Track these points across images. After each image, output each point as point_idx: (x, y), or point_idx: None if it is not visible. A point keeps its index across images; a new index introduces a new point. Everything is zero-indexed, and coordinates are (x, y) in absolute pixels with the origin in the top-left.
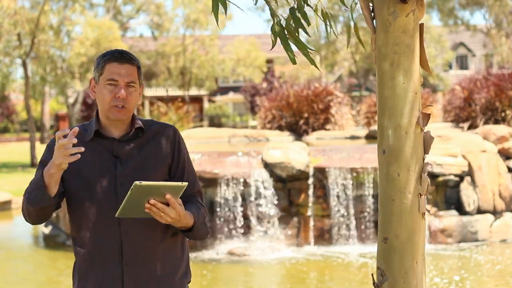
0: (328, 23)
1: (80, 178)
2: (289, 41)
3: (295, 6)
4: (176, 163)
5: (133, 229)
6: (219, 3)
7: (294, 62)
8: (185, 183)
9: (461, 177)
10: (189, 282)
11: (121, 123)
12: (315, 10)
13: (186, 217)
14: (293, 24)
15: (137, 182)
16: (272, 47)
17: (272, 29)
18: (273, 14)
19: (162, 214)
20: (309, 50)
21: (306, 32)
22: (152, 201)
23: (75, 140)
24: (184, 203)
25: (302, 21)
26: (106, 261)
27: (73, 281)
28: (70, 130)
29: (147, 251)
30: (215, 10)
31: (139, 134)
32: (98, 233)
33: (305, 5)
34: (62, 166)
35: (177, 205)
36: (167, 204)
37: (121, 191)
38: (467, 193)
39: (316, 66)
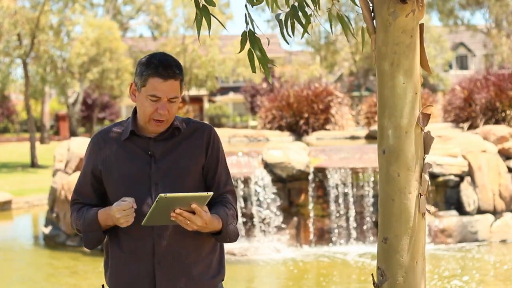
0: (345, 26)
1: (115, 177)
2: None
3: (297, 4)
4: (209, 162)
5: (166, 228)
6: (203, 17)
7: (253, 71)
8: (210, 193)
9: (461, 177)
10: (222, 280)
11: None
12: (329, 13)
13: (213, 222)
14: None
15: (162, 195)
16: (240, 51)
17: (243, 34)
18: (246, 20)
19: (188, 222)
20: (269, 64)
21: (306, 30)
22: (177, 210)
23: (132, 210)
24: (214, 204)
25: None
26: (138, 259)
27: (105, 277)
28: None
29: (179, 251)
30: (198, 24)
31: (176, 133)
32: (132, 231)
33: (306, 5)
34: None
35: (203, 213)
36: (193, 212)
37: (155, 190)
38: (467, 193)
39: (270, 81)
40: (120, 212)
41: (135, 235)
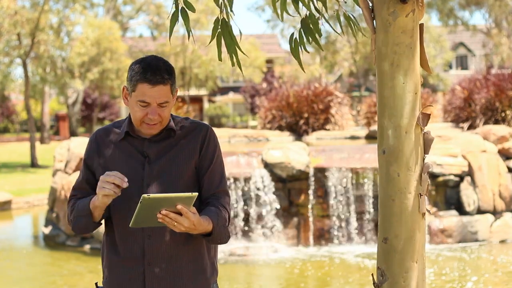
0: (352, 26)
1: None
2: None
3: (307, 15)
4: (202, 160)
5: (156, 229)
6: (181, 17)
7: (220, 59)
8: (195, 194)
9: (461, 177)
10: (215, 281)
11: None
12: (337, 15)
13: (202, 224)
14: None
15: (145, 195)
16: (211, 41)
17: (215, 21)
18: (221, 8)
19: (175, 223)
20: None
21: (317, 42)
22: (163, 211)
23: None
24: (205, 204)
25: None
26: (129, 260)
27: (103, 276)
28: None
29: (170, 251)
30: (171, 24)
31: (171, 134)
32: (124, 231)
33: (317, 11)
34: (105, 200)
35: (190, 214)
36: (180, 214)
37: (148, 192)
38: (467, 193)
39: (242, 72)
40: (103, 181)
41: (126, 236)
